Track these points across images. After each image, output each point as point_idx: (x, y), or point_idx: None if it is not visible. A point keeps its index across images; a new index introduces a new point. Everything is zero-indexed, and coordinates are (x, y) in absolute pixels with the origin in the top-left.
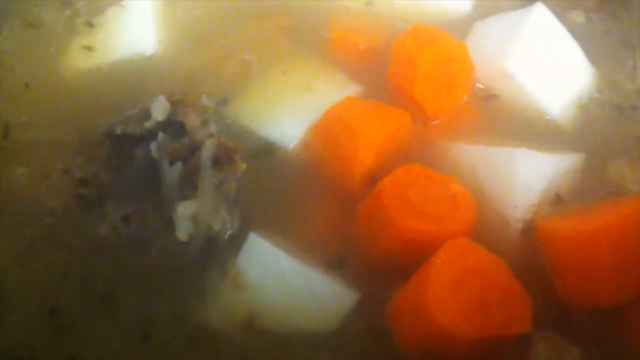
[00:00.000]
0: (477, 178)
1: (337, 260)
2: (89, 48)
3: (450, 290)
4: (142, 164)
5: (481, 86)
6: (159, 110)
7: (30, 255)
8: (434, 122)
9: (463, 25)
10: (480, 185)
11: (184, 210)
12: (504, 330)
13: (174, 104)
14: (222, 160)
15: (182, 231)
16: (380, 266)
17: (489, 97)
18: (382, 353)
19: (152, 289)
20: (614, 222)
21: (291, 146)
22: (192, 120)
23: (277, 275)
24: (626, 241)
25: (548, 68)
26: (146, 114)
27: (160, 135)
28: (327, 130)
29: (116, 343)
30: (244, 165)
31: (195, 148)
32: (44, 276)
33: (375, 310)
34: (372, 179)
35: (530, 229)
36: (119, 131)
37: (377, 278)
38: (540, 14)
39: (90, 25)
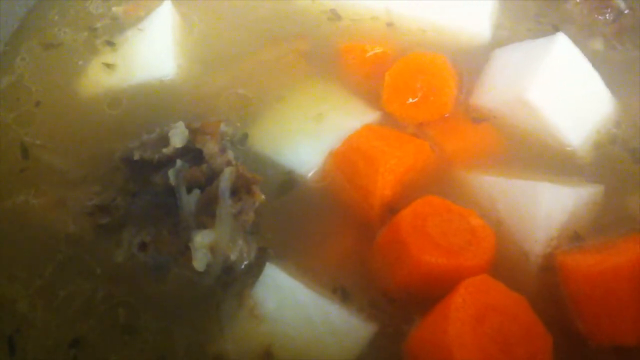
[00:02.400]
0: (497, 210)
1: (354, 292)
2: (109, 66)
3: (471, 329)
4: (160, 191)
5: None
6: (178, 137)
7: (53, 285)
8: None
9: (482, 52)
10: (500, 218)
11: (202, 240)
12: None
13: (193, 131)
14: (241, 190)
15: (199, 261)
16: (398, 298)
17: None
18: None
19: (170, 317)
20: (635, 260)
21: (309, 175)
22: (210, 147)
23: (294, 307)
24: None
25: (569, 99)
26: (164, 140)
27: (179, 162)
28: (346, 160)
29: None
30: (263, 197)
31: (214, 176)
32: (67, 307)
33: (393, 344)
34: (391, 210)
35: (550, 264)
36: (136, 156)
37: (395, 311)
38: (563, 44)
39: (110, 44)
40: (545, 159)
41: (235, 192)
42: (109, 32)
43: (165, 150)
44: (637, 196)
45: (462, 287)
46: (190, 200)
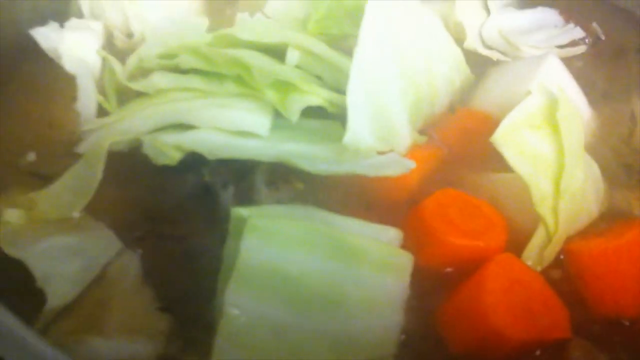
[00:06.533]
0: (502, 205)
1: None
2: None
3: (504, 298)
4: (194, 188)
5: None
6: None
7: None
8: None
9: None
10: (505, 212)
11: None
12: (548, 335)
13: None
14: (278, 180)
15: None
16: (420, 282)
17: None
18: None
19: None
20: (633, 240)
21: None
22: None
23: None
24: None
25: None
26: None
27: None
28: None
29: None
30: (302, 185)
31: (247, 172)
32: None
33: (423, 316)
34: (413, 201)
35: None
36: None
37: (418, 288)
38: (552, 62)
39: None
40: None
41: (272, 183)
42: None
43: None
44: (624, 191)
45: (494, 263)
46: (226, 195)
